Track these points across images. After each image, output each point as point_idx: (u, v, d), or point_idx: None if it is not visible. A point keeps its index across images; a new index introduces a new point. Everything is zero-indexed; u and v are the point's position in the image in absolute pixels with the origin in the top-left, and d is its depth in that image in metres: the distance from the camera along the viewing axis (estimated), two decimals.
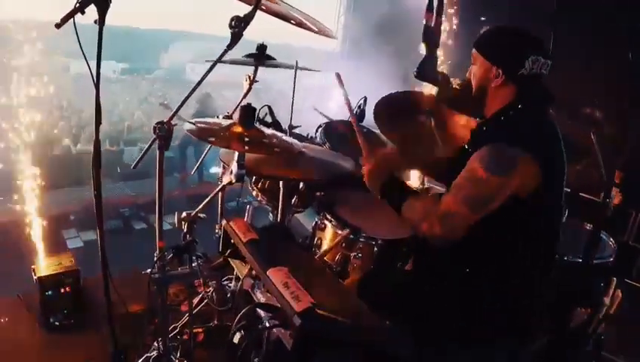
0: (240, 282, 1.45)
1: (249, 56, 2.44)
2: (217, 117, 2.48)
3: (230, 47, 1.78)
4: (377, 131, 2.49)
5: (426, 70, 1.67)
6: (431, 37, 1.63)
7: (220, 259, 2.22)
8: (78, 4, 1.72)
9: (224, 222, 1.50)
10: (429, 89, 2.31)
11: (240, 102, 2.53)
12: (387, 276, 2.02)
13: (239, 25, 1.72)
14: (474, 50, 1.66)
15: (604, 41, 3.54)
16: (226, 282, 2.91)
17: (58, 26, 1.74)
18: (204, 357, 2.57)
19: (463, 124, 2.19)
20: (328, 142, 2.65)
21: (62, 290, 2.93)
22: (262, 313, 1.31)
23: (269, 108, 2.32)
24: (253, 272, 1.38)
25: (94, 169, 1.88)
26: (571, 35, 2.97)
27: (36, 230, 3.34)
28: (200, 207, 1.95)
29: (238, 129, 1.72)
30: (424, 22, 1.67)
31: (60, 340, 2.79)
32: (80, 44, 1.94)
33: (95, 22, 1.88)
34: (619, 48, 2.44)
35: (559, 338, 2.37)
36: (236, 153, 1.67)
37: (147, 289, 1.90)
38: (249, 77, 2.46)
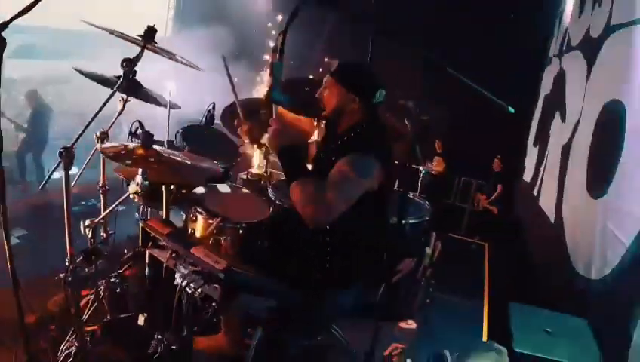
0: (164, 264, 1.94)
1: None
2: (95, 135, 2.74)
3: (123, 82, 2.20)
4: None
5: (274, 96, 2.13)
6: (276, 72, 2.09)
7: (131, 253, 2.59)
8: None
9: (141, 222, 1.95)
10: None
11: (114, 121, 2.84)
12: (253, 249, 2.46)
13: (130, 65, 2.16)
14: (330, 79, 2.14)
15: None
16: (113, 280, 3.22)
17: None
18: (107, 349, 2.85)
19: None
20: (188, 145, 3.14)
21: None
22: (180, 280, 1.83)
23: (140, 122, 2.67)
24: (173, 255, 1.89)
25: None
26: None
27: None
28: (103, 214, 2.31)
29: (141, 150, 2.16)
30: (270, 60, 2.20)
31: None
32: None
33: None
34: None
35: (393, 282, 3.20)
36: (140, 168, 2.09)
37: (64, 292, 2.15)
38: (122, 98, 2.79)
